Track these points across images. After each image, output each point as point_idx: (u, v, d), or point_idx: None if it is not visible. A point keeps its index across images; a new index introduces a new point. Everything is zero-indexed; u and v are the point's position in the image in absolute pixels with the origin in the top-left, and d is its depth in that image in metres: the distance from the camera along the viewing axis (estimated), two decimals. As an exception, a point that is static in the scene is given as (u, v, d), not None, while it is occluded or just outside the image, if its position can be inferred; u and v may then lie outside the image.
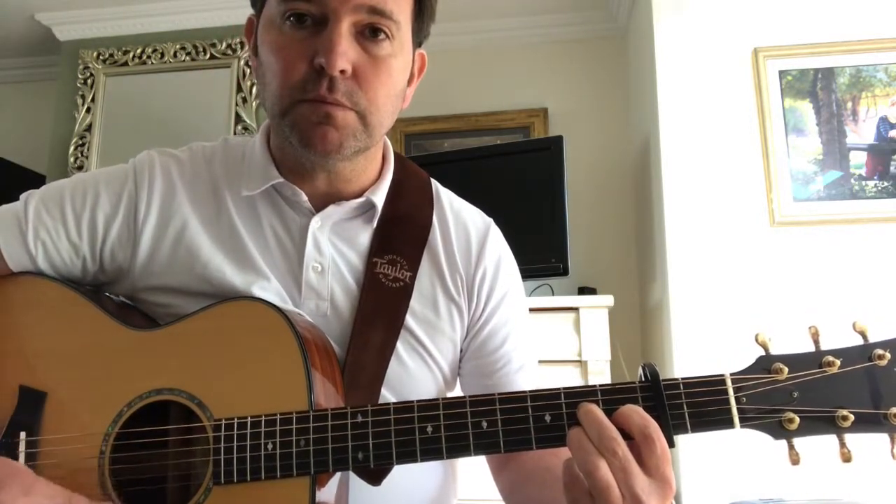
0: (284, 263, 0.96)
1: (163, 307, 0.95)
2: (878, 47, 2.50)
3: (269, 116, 0.93)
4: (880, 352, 0.73)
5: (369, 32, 0.87)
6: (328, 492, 0.82)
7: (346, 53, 0.84)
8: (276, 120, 0.90)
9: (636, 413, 0.72)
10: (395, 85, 0.91)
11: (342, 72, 0.84)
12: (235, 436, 0.81)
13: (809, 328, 0.76)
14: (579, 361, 2.35)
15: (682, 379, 0.76)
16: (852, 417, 0.72)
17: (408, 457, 0.78)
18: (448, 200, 1.07)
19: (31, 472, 0.80)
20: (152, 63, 3.48)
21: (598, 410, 0.73)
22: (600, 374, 2.33)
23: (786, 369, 0.74)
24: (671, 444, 0.72)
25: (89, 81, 3.50)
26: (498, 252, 1.06)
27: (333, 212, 0.97)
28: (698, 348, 2.36)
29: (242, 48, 3.39)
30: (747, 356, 0.78)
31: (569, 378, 2.32)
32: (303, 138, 0.88)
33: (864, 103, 2.48)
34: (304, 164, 0.94)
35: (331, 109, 0.86)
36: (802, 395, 0.74)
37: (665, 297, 2.49)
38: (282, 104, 0.88)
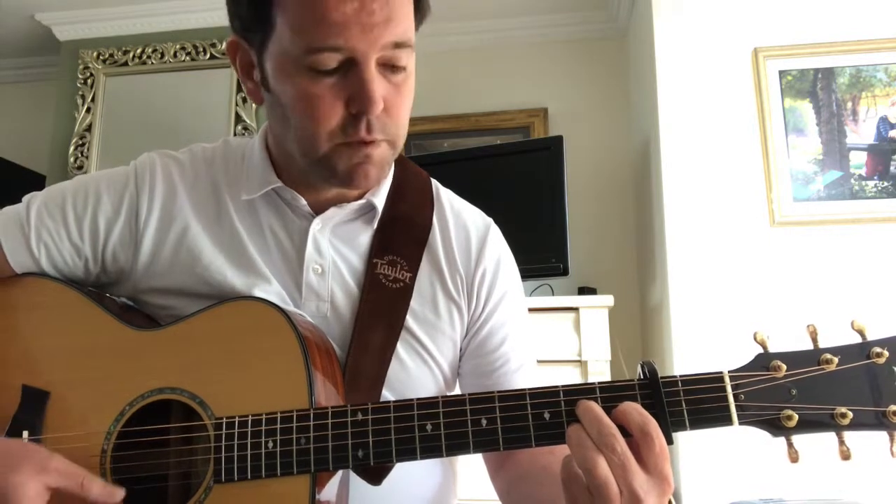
0: (285, 265, 0.96)
1: (164, 308, 0.95)
2: (878, 47, 2.50)
3: (298, 155, 0.90)
4: (878, 350, 0.73)
5: (392, 64, 0.85)
6: (328, 491, 0.83)
7: (380, 95, 0.84)
8: (308, 159, 0.89)
9: (635, 410, 0.73)
10: (411, 99, 0.91)
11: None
12: (236, 434, 0.81)
13: (808, 326, 0.76)
14: (579, 361, 2.35)
15: (681, 376, 0.76)
16: (851, 415, 0.72)
17: (408, 454, 0.79)
18: (448, 200, 1.08)
19: (46, 450, 0.80)
20: (152, 63, 3.48)
21: (597, 407, 0.74)
22: (600, 375, 2.33)
23: (784, 367, 0.74)
24: (670, 442, 0.72)
25: (89, 81, 3.50)
26: (498, 252, 1.06)
27: (334, 214, 0.97)
28: (698, 348, 2.36)
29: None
30: (747, 356, 0.78)
31: (569, 378, 2.32)
32: (343, 179, 0.89)
33: (864, 103, 2.48)
34: (312, 178, 0.94)
35: (370, 150, 0.87)
36: (801, 392, 0.74)
37: (665, 297, 2.49)
38: (320, 150, 0.87)
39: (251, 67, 0.92)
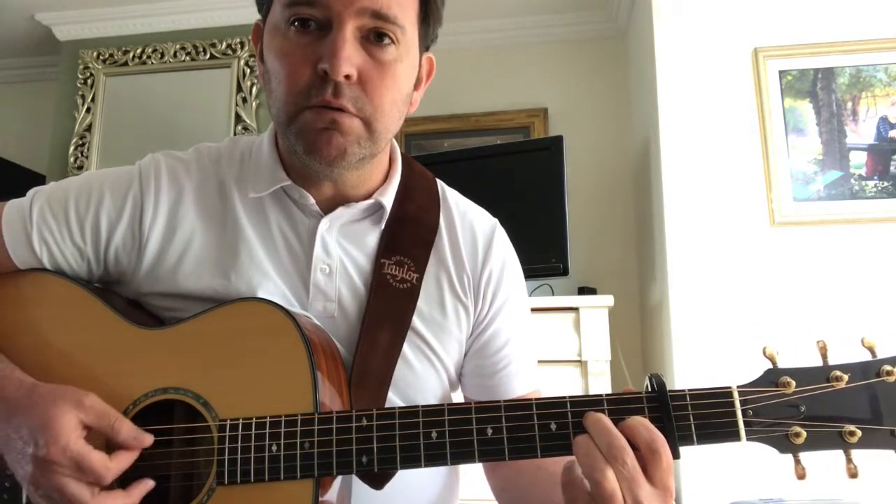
0: (292, 265, 0.96)
1: (168, 310, 0.95)
2: (878, 47, 2.49)
3: (276, 124, 0.92)
4: (889, 368, 0.73)
5: (374, 37, 0.86)
6: (331, 494, 0.83)
7: (350, 58, 0.83)
8: (283, 128, 0.90)
9: (643, 426, 0.73)
10: (400, 90, 0.90)
11: (347, 77, 0.84)
12: (240, 436, 0.81)
13: (817, 342, 0.76)
14: (579, 361, 2.35)
15: (689, 391, 0.76)
16: (859, 433, 0.72)
17: (412, 462, 0.79)
18: (454, 201, 1.08)
19: (82, 389, 0.82)
20: (152, 63, 3.48)
21: (606, 420, 0.74)
22: (600, 375, 2.32)
23: (793, 383, 0.74)
24: (676, 456, 0.72)
25: (89, 81, 3.50)
26: (504, 253, 1.07)
27: (342, 213, 0.97)
28: (698, 348, 2.36)
29: (242, 48, 3.39)
30: (747, 357, 0.78)
31: (569, 378, 2.32)
32: (308, 146, 0.87)
33: (864, 103, 2.48)
34: (310, 170, 0.94)
35: (336, 115, 0.85)
36: (810, 409, 0.74)
37: (665, 297, 2.49)
38: (287, 111, 0.87)
39: (262, 47, 0.94)
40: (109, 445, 0.81)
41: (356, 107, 0.86)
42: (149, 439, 0.81)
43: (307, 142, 0.87)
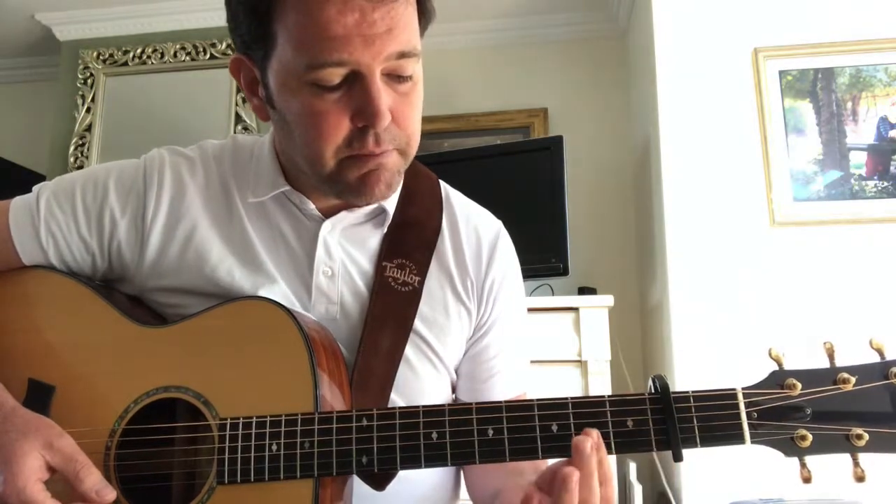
0: (295, 267, 0.96)
1: (171, 307, 0.95)
2: (878, 47, 2.49)
3: (308, 170, 0.90)
4: None
5: (397, 74, 0.85)
6: (331, 494, 0.83)
7: (387, 107, 0.83)
8: (317, 176, 0.89)
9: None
10: (420, 106, 0.90)
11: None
12: (240, 435, 0.81)
13: (824, 344, 0.74)
14: (579, 361, 2.35)
15: (693, 392, 0.75)
16: (867, 436, 0.71)
17: (412, 462, 0.79)
18: (458, 203, 1.08)
19: (60, 428, 0.80)
20: (152, 63, 3.47)
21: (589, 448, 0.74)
22: (600, 375, 2.32)
23: (799, 385, 0.73)
24: (679, 458, 0.72)
25: (89, 81, 3.50)
26: (507, 258, 1.07)
27: (345, 217, 0.97)
28: (698, 348, 2.36)
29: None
30: (747, 357, 0.78)
31: (569, 378, 2.32)
32: (355, 191, 0.88)
33: (864, 103, 2.48)
34: (323, 191, 0.94)
35: (382, 160, 0.86)
36: (816, 412, 0.73)
37: (665, 297, 2.49)
38: (328, 165, 0.86)
39: (255, 84, 0.91)
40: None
41: (395, 143, 0.86)
42: (111, 495, 0.79)
43: (353, 187, 0.88)
